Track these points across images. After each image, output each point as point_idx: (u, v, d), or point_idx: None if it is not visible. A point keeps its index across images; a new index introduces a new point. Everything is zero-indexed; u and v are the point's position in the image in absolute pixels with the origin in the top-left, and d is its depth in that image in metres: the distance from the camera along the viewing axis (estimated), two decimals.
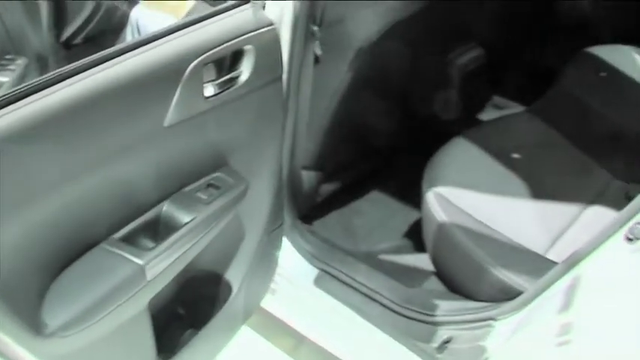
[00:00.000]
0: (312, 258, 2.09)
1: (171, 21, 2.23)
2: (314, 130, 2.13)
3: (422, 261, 2.17)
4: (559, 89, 2.65)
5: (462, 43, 2.67)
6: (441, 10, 2.24)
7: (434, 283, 2.08)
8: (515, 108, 3.06)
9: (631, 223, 1.46)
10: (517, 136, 2.32)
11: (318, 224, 2.36)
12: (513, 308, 1.76)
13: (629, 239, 1.46)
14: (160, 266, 1.41)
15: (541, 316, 1.67)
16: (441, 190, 2.00)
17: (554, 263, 1.75)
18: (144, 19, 2.35)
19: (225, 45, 1.49)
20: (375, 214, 2.49)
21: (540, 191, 2.09)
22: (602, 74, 2.70)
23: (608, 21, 3.20)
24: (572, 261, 1.59)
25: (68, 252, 1.34)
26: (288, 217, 2.06)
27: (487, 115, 3.06)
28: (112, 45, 2.39)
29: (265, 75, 1.62)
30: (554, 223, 2.02)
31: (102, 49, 1.33)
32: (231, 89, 1.53)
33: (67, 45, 2.37)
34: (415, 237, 2.30)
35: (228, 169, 1.62)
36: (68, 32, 2.35)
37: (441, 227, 1.94)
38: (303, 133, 2.03)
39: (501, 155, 2.16)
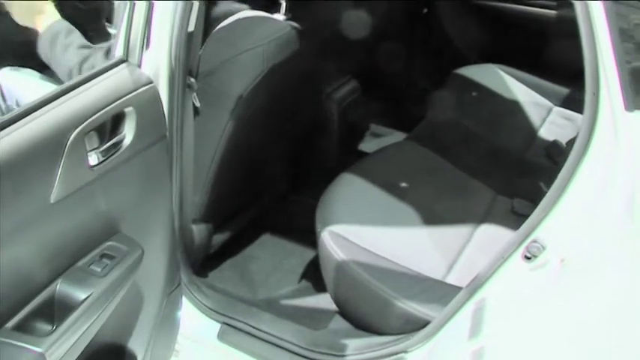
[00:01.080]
0: (212, 313, 2.04)
1: (37, 83, 2.19)
2: (199, 183, 2.10)
3: (324, 301, 2.16)
4: (435, 113, 2.71)
5: (337, 78, 2.69)
6: (314, 49, 2.24)
7: (339, 323, 2.07)
8: (393, 134, 3.12)
9: (527, 242, 1.49)
10: (402, 166, 2.35)
11: (214, 276, 2.31)
12: (422, 338, 1.76)
13: (527, 258, 1.49)
14: (61, 350, 1.34)
15: (452, 345, 1.68)
16: (335, 228, 2.00)
17: (456, 287, 1.78)
18: (8, 83, 2.26)
19: (104, 110, 1.44)
20: (269, 257, 2.47)
21: (431, 217, 2.11)
22: (474, 94, 2.78)
23: (473, 42, 3.31)
24: (475, 285, 1.62)
25: None
26: (183, 275, 2.00)
27: (367, 144, 3.10)
28: None
29: (149, 135, 1.58)
30: (449, 247, 2.05)
31: None
32: (116, 155, 1.48)
33: None
34: (313, 277, 2.30)
35: (121, 236, 1.56)
36: None
37: (340, 266, 1.93)
38: (190, 187, 1.98)
39: (389, 186, 2.18)
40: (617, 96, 1.31)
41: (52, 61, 1.99)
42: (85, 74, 1.49)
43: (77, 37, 1.99)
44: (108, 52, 1.92)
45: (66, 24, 1.99)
